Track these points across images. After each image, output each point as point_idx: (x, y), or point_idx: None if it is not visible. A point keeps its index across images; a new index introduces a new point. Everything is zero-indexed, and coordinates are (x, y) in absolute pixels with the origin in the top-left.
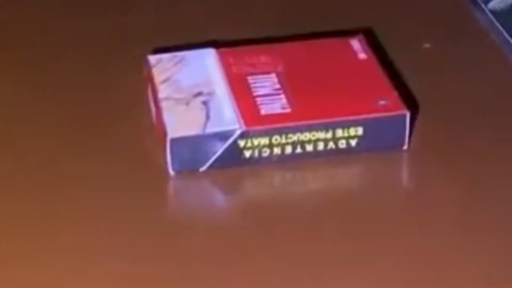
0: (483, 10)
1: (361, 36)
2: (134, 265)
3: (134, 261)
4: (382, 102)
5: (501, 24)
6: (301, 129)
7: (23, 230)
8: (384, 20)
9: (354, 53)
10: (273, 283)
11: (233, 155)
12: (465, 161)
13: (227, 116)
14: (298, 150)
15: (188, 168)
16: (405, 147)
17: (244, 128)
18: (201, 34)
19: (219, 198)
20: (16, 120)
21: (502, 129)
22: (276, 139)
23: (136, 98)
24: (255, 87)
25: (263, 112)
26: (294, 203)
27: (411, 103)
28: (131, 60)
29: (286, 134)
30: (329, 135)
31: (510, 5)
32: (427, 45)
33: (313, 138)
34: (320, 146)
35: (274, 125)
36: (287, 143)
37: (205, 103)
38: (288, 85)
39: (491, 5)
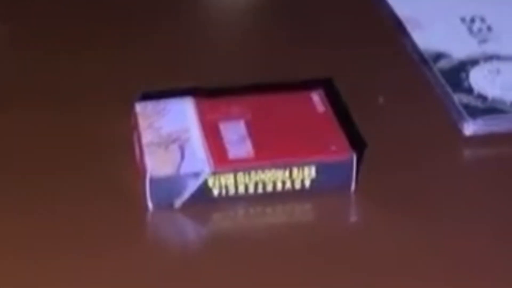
0: (432, 68)
1: (320, 91)
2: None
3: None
4: (333, 148)
5: (446, 82)
6: (262, 169)
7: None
8: (343, 72)
9: (314, 106)
10: None
11: (203, 192)
12: (405, 201)
13: (199, 159)
14: (260, 189)
15: (164, 203)
16: (353, 186)
17: (213, 169)
18: (182, 80)
19: (191, 230)
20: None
21: (439, 174)
22: (240, 179)
23: (123, 140)
24: (225, 133)
25: (230, 155)
26: (255, 235)
27: (360, 149)
28: (120, 103)
29: (249, 174)
30: (286, 174)
31: (456, 64)
32: (381, 99)
33: (272, 178)
34: (279, 185)
35: (239, 166)
36: (250, 183)
37: (181, 147)
38: (254, 132)
39: (439, 64)
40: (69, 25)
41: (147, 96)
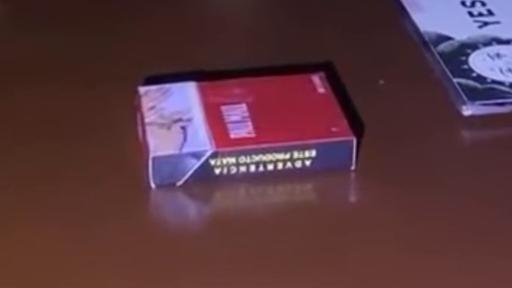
0: (432, 51)
1: (321, 73)
2: (116, 267)
3: (116, 264)
4: (333, 129)
5: (446, 65)
6: (263, 151)
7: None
8: (344, 55)
9: (314, 88)
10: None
11: (205, 172)
12: (406, 180)
13: (201, 139)
14: (261, 168)
15: (167, 182)
16: (353, 167)
17: (214, 149)
18: (186, 62)
19: (193, 208)
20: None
21: (438, 154)
22: (242, 159)
23: (127, 121)
24: (227, 115)
25: (232, 136)
26: (256, 213)
27: (360, 130)
28: (124, 86)
29: (251, 155)
30: (287, 156)
31: (456, 47)
32: (381, 81)
33: (273, 159)
34: (280, 165)
35: (241, 147)
36: (252, 163)
37: (183, 127)
38: (255, 114)
39: (439, 47)
40: (74, 6)
41: (151, 79)
